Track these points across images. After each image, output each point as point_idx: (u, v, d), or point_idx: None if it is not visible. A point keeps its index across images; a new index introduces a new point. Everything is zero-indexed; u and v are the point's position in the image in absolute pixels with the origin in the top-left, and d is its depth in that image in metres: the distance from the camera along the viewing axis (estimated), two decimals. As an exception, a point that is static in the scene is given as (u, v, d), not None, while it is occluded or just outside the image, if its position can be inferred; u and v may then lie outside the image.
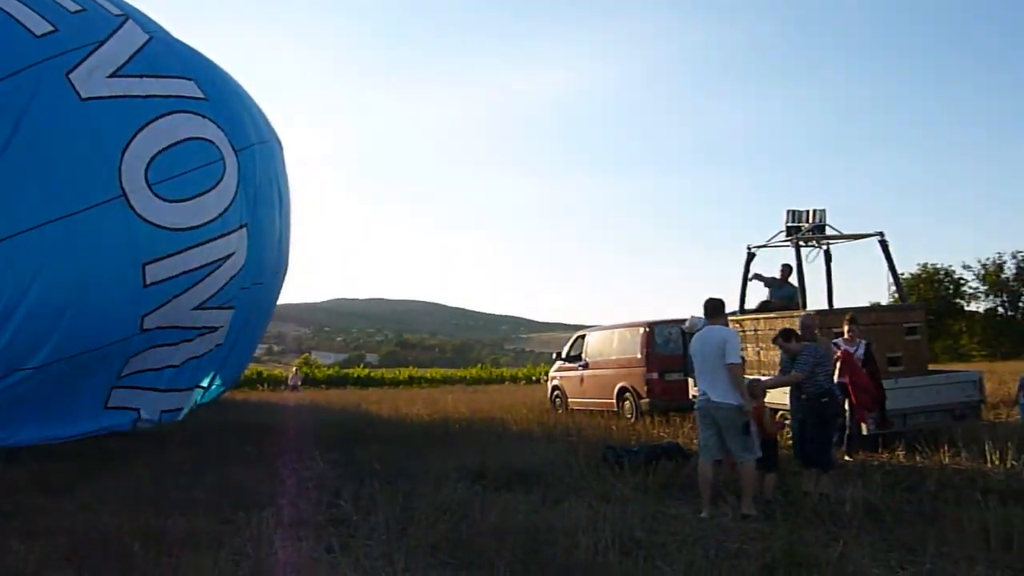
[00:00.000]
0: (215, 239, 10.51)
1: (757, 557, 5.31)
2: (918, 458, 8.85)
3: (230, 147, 11.02)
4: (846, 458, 9.02)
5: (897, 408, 9.50)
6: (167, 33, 11.48)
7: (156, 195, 9.76)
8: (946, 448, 9.13)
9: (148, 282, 9.72)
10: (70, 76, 9.51)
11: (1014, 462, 8.01)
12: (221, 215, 10.58)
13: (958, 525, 5.84)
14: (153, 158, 9.82)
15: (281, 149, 13.25)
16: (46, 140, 9.16)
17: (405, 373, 47.94)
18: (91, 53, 9.81)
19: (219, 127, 10.98)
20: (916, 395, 9.76)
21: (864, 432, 9.30)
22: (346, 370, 50.08)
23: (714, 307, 7.58)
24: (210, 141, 10.74)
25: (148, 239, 9.68)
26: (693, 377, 12.51)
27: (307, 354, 66.71)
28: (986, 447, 8.48)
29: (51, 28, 9.62)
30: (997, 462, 8.14)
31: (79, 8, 10.23)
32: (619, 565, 5.06)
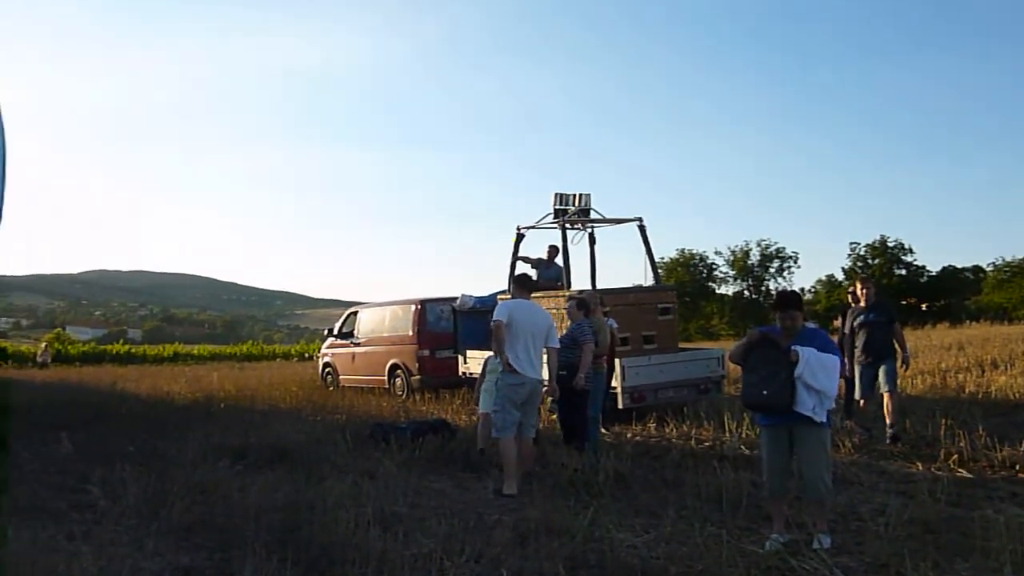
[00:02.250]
0: None
1: (513, 527, 5.51)
2: (666, 430, 9.49)
3: None
4: (602, 430, 9.54)
5: (649, 384, 10.14)
6: None
7: None
8: (691, 420, 9.85)
9: None
10: None
11: (749, 431, 8.76)
12: None
13: (696, 490, 6.32)
14: None
15: None
16: None
17: (170, 350, 45.74)
18: None
19: None
20: (667, 371, 10.42)
21: (619, 406, 9.87)
22: (104, 346, 47.11)
23: (524, 283, 7.66)
24: None
25: None
26: (462, 354, 12.89)
27: (60, 329, 62.10)
28: (725, 418, 9.22)
29: None
30: (735, 431, 8.87)
31: None
32: (379, 539, 5.10)
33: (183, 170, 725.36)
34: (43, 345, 38.27)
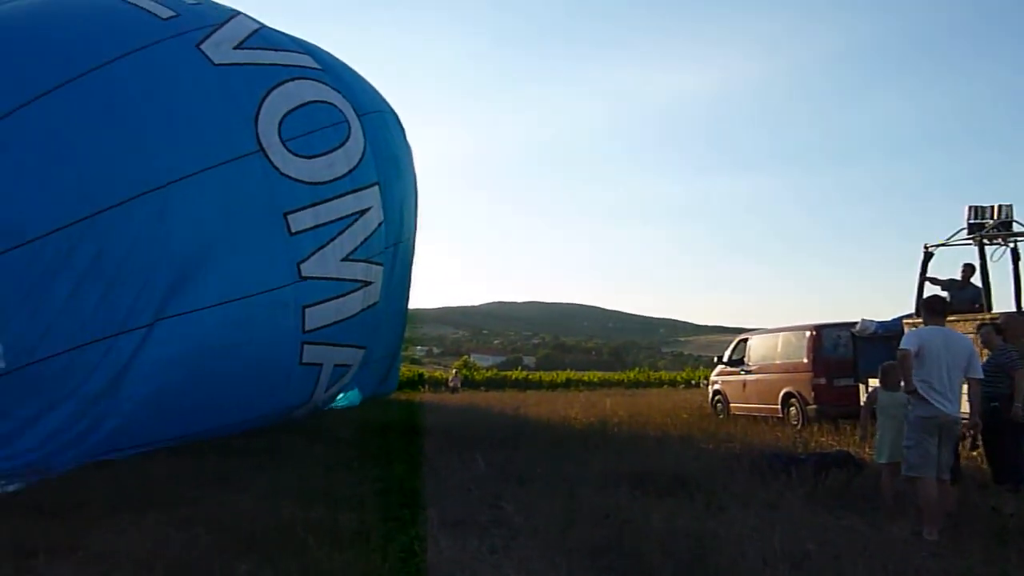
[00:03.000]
0: (348, 193, 11.74)
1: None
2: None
3: (352, 111, 12.36)
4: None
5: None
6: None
7: (290, 151, 10.93)
8: None
9: (293, 230, 10.79)
10: (200, 47, 10.73)
11: None
12: (350, 172, 11.83)
13: None
14: (284, 117, 11.02)
15: (398, 121, 14.60)
16: (187, 100, 10.24)
17: (563, 376, 48.00)
18: (214, 31, 11.12)
19: (340, 93, 12.30)
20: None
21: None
22: (504, 372, 50.64)
23: (935, 307, 6.97)
24: (333, 104, 12.01)
25: (287, 190, 10.82)
26: (864, 383, 12.06)
27: (466, 356, 67.94)
28: None
29: (174, 14, 10.87)
30: None
31: (195, 1, 11.73)
32: (790, 577, 4.86)
33: (563, 206, 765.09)
34: (454, 371, 42.11)
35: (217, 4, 12.31)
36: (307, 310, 11.09)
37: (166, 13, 10.79)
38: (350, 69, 13.83)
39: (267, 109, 10.85)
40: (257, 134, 10.63)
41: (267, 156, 10.64)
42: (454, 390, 34.84)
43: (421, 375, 42.09)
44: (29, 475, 7.75)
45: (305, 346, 11.27)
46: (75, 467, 8.33)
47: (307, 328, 11.15)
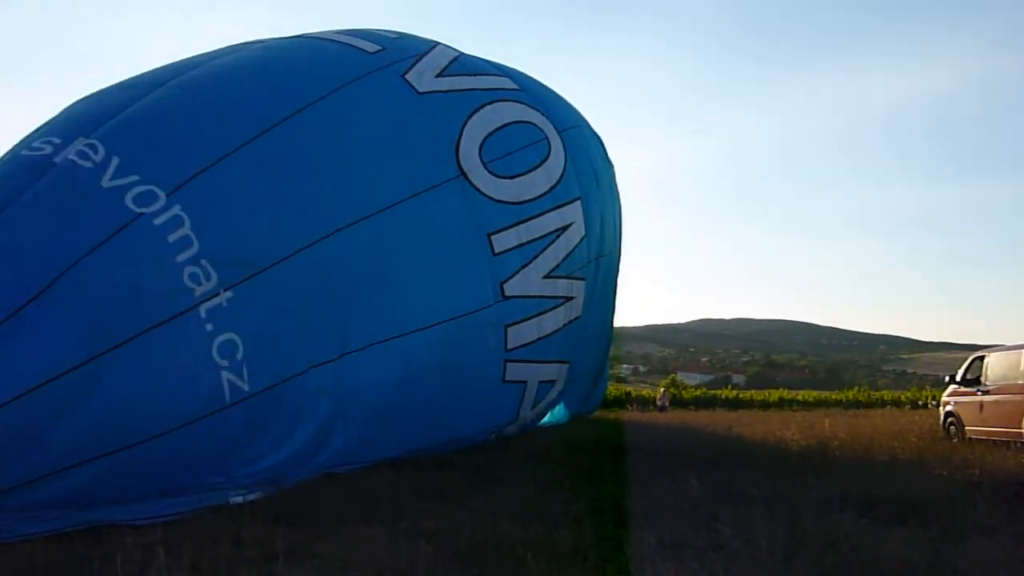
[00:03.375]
0: (550, 211, 12.01)
1: None
2: None
3: (552, 128, 12.64)
4: None
5: None
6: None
7: (491, 172, 11.29)
8: None
9: (496, 251, 11.16)
10: (405, 76, 11.35)
11: None
12: (552, 189, 12.10)
13: None
14: (485, 140, 11.41)
15: (597, 136, 14.94)
16: (395, 129, 10.76)
17: (775, 395, 46.47)
18: (417, 62, 11.72)
19: (538, 111, 12.63)
20: None
21: None
22: (713, 391, 49.59)
23: None
24: (532, 123, 12.31)
25: (490, 212, 11.20)
26: None
27: (673, 375, 66.97)
28: None
29: (379, 48, 11.58)
30: None
31: (397, 36, 12.48)
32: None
33: (771, 219, 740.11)
34: (661, 390, 41.65)
35: (418, 36, 13.02)
36: (509, 329, 11.39)
37: (372, 48, 11.53)
38: (547, 88, 14.13)
39: (468, 134, 11.30)
40: (458, 159, 11.07)
41: (468, 180, 11.05)
42: (662, 409, 34.44)
43: (628, 393, 41.94)
44: (266, 486, 8.29)
45: (508, 364, 11.56)
46: (305, 478, 8.85)
47: (509, 347, 11.45)
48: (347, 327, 9.50)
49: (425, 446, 10.65)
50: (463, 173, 11.01)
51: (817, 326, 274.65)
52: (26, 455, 6.85)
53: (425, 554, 5.74)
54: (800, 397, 46.55)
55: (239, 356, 8.31)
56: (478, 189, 11.09)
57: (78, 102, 10.06)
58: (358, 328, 9.61)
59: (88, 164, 8.36)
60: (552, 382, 12.87)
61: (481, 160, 11.24)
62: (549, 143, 12.37)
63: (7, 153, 9.09)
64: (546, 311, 11.98)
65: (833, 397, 46.14)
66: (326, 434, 9.36)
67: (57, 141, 8.62)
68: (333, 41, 11.80)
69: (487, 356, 11.27)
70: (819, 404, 41.98)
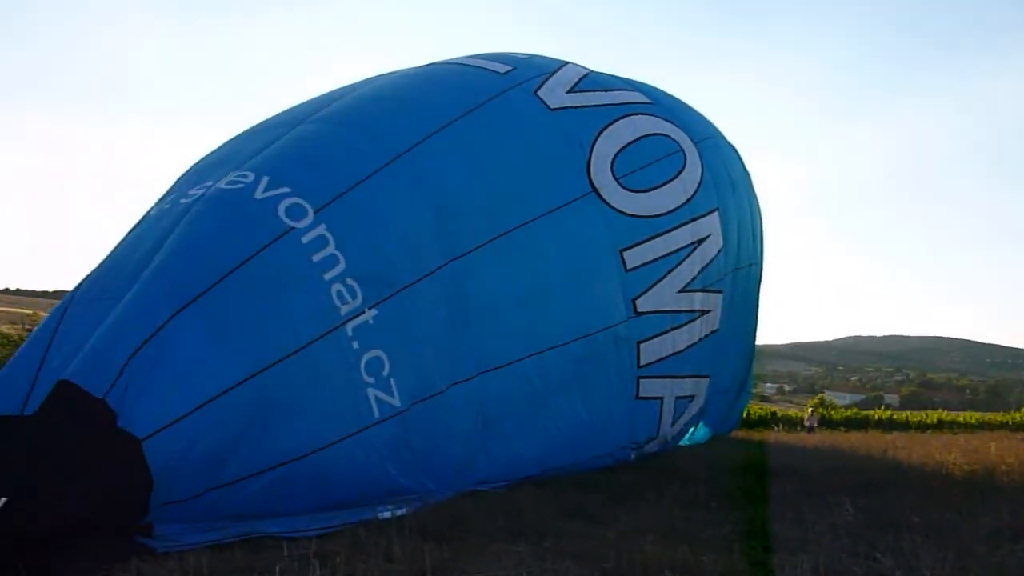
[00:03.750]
0: (686, 224, 11.82)
1: None
2: None
3: (688, 139, 12.46)
4: None
5: None
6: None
7: (624, 187, 11.21)
8: None
9: (628, 266, 11.09)
10: (537, 93, 11.44)
11: None
12: (688, 201, 11.92)
13: None
14: (617, 155, 11.33)
15: (733, 147, 14.59)
16: (529, 147, 10.88)
17: (933, 416, 44.08)
18: (547, 79, 11.82)
19: (673, 123, 12.47)
20: None
21: None
22: (864, 412, 47.53)
23: None
24: (666, 135, 12.18)
25: (623, 227, 11.10)
26: None
27: (821, 394, 64.66)
28: None
29: (510, 68, 11.77)
30: None
31: (526, 56, 12.60)
32: None
33: (929, 230, 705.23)
34: (810, 410, 40.16)
35: (547, 56, 13.10)
36: (641, 345, 11.28)
37: (503, 68, 11.74)
38: (680, 101, 13.95)
39: (599, 149, 11.26)
40: (590, 175, 11.05)
41: (600, 196, 11.01)
42: (810, 429, 33.22)
43: (774, 413, 40.70)
44: (413, 502, 8.46)
45: (641, 381, 11.43)
46: (450, 496, 8.97)
47: (642, 363, 11.35)
48: (483, 345, 9.63)
49: (564, 464, 10.62)
50: (595, 189, 10.99)
51: (976, 343, 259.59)
52: (202, 469, 7.22)
53: (571, 574, 5.71)
54: (961, 419, 43.96)
55: (385, 373, 8.54)
56: (610, 205, 11.04)
57: (212, 152, 10.58)
58: (494, 346, 9.73)
59: (239, 185, 8.76)
60: (691, 398, 12.62)
61: (613, 175, 11.19)
62: (685, 155, 12.21)
63: (155, 206, 9.54)
64: (681, 326, 11.82)
65: (998, 419, 43.29)
66: (469, 452, 9.49)
67: (209, 183, 9.01)
68: (463, 65, 12.08)
69: (620, 373, 11.18)
70: (982, 426, 39.51)
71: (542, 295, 10.30)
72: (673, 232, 11.64)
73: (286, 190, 8.66)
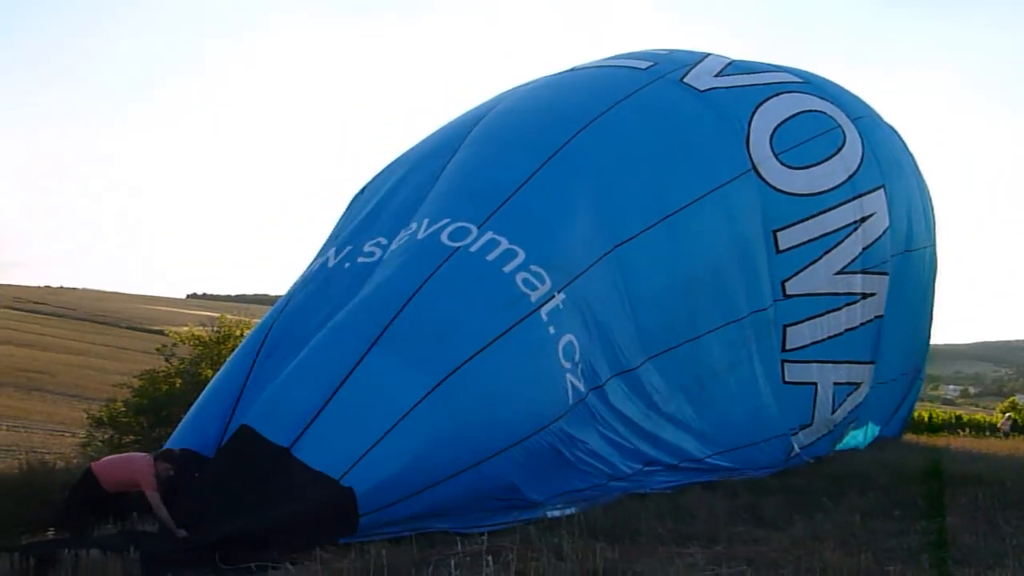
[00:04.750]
0: (847, 202, 11.38)
1: None
2: None
3: (845, 116, 12.01)
4: None
5: None
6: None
7: (783, 164, 10.93)
8: None
9: (781, 248, 10.81)
10: (684, 81, 11.41)
11: None
12: (850, 178, 11.47)
13: None
14: (774, 131, 11.09)
15: (893, 127, 13.97)
16: (682, 128, 10.86)
17: None
18: (691, 69, 11.71)
19: (828, 101, 12.09)
20: None
21: None
22: (1064, 417, 43.93)
23: None
24: (823, 112, 11.80)
25: (780, 206, 10.84)
26: None
27: (1013, 397, 60.33)
28: None
29: (651, 63, 11.80)
30: None
31: (667, 51, 12.64)
32: None
33: None
34: (1004, 414, 37.54)
35: (687, 50, 13.04)
36: (788, 329, 11.01)
37: (645, 64, 11.81)
38: (831, 81, 13.42)
39: (757, 125, 11.12)
40: (749, 152, 10.89)
41: (759, 173, 10.83)
42: (1006, 435, 31.03)
43: (958, 417, 38.32)
44: (580, 501, 8.45)
45: (786, 365, 11.12)
46: (617, 495, 8.90)
47: (787, 347, 11.07)
48: (649, 333, 9.59)
49: (726, 448, 10.42)
50: (754, 166, 10.81)
51: None
52: (409, 474, 7.31)
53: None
54: None
55: (576, 358, 8.59)
56: (767, 182, 10.86)
57: (373, 185, 11.12)
58: (660, 333, 9.71)
59: (403, 239, 9.15)
60: (854, 385, 12.04)
61: (772, 151, 10.99)
62: (844, 132, 11.82)
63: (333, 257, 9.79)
64: (838, 308, 11.40)
65: None
66: (636, 438, 9.44)
67: (384, 242, 9.30)
68: (602, 67, 12.27)
69: (766, 358, 10.94)
70: None
71: (699, 280, 10.19)
72: (833, 211, 11.27)
73: (445, 220, 8.99)
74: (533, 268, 8.58)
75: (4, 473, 9.63)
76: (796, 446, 11.48)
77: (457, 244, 8.69)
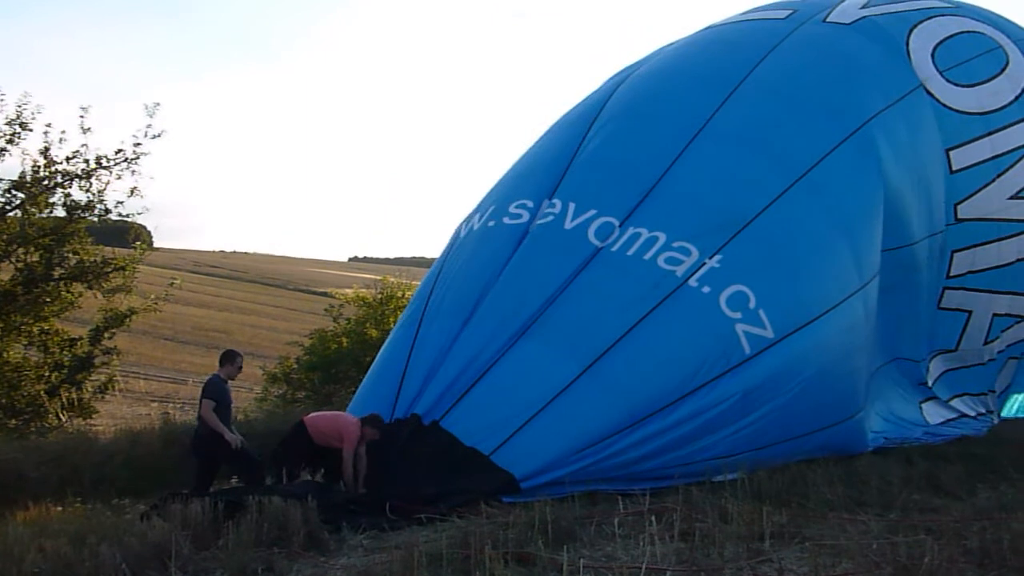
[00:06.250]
0: (1018, 122, 10.76)
1: None
2: None
3: (1005, 37, 11.40)
4: None
5: None
6: None
7: (949, 81, 10.51)
8: None
9: (954, 168, 10.35)
10: (828, 20, 11.03)
11: None
12: (1018, 98, 10.84)
13: None
14: (935, 49, 10.67)
15: None
16: (837, 61, 10.52)
17: None
18: (833, 9, 11.26)
19: (983, 23, 11.52)
20: None
21: None
22: None
23: None
24: (981, 33, 11.25)
25: (951, 125, 10.40)
26: None
27: None
28: None
29: (791, 11, 11.37)
30: None
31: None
32: None
33: None
34: None
35: None
36: (955, 255, 10.58)
37: (784, 13, 11.44)
38: (984, 8, 12.52)
39: (915, 45, 10.69)
40: (913, 68, 10.47)
41: (928, 90, 10.39)
42: None
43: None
44: (744, 466, 8.24)
45: (946, 291, 10.73)
46: (782, 461, 8.63)
47: (952, 273, 10.67)
48: (814, 282, 9.07)
49: (878, 365, 10.02)
50: (922, 83, 10.38)
51: None
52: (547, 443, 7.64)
53: (930, 550, 5.29)
54: None
55: (751, 304, 8.39)
56: (938, 100, 10.41)
57: (522, 160, 11.07)
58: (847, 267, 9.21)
59: (550, 218, 9.25)
60: (1016, 318, 11.28)
61: (936, 68, 10.54)
62: (1006, 51, 11.17)
63: (475, 223, 10.04)
64: (1009, 236, 10.73)
65: None
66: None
67: (531, 205, 9.51)
68: (739, 22, 11.88)
69: (930, 282, 10.57)
70: None
71: (875, 208, 9.59)
72: (1005, 131, 10.64)
73: (592, 212, 9.01)
74: (675, 245, 8.56)
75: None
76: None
77: (600, 244, 8.82)
